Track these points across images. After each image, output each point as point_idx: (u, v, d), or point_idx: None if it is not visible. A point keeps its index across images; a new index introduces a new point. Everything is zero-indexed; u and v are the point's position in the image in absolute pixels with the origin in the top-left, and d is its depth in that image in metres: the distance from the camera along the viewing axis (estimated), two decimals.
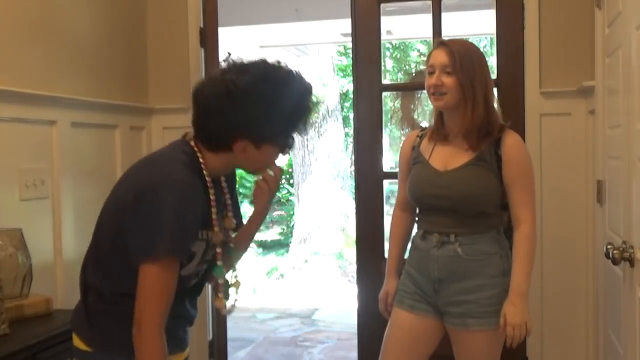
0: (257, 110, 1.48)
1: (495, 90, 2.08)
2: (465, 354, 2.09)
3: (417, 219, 2.22)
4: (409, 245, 2.25)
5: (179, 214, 1.40)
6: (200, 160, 1.53)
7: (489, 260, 2.04)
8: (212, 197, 1.53)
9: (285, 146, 1.58)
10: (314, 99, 1.62)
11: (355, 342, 3.31)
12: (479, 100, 2.02)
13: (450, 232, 2.06)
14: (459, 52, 2.03)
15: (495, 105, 2.10)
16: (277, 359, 4.73)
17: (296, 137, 1.61)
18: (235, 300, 1.72)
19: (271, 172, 1.65)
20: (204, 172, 1.53)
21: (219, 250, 1.56)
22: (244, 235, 1.78)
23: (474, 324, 2.02)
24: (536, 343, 2.95)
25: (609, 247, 1.99)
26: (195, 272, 1.59)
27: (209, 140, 1.54)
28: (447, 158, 2.10)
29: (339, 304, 6.40)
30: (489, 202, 2.05)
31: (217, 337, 3.20)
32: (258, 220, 1.77)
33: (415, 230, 2.24)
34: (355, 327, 3.28)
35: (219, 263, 1.57)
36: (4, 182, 2.23)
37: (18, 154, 2.29)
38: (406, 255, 2.26)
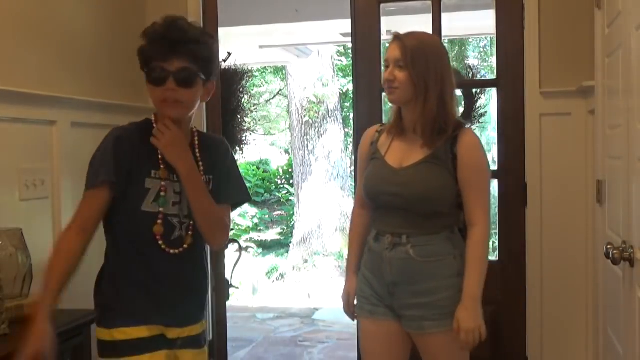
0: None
1: (457, 89, 2.11)
2: (429, 356, 2.07)
3: (372, 218, 2.17)
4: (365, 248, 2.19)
5: (100, 153, 1.79)
6: (152, 118, 1.88)
7: (443, 261, 2.01)
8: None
9: (149, 74, 1.80)
10: (161, 26, 1.80)
11: (355, 342, 3.31)
12: (432, 96, 1.98)
13: (402, 233, 2.02)
14: (412, 46, 1.99)
15: (454, 102, 2.06)
16: (277, 359, 4.73)
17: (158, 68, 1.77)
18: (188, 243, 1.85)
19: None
20: (154, 126, 1.84)
21: (163, 183, 1.80)
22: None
23: (430, 327, 2.00)
24: (536, 343, 2.95)
25: (609, 247, 1.99)
26: (157, 212, 1.78)
27: None
28: (403, 154, 2.06)
29: (339, 304, 6.41)
30: (444, 201, 2.02)
31: (217, 337, 3.20)
32: (183, 181, 1.85)
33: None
34: (355, 327, 3.28)
35: (162, 195, 1.79)
36: (4, 182, 2.23)
37: (18, 154, 2.29)
38: None
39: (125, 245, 1.81)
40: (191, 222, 1.84)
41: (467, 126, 2.08)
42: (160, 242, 1.78)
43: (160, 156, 1.81)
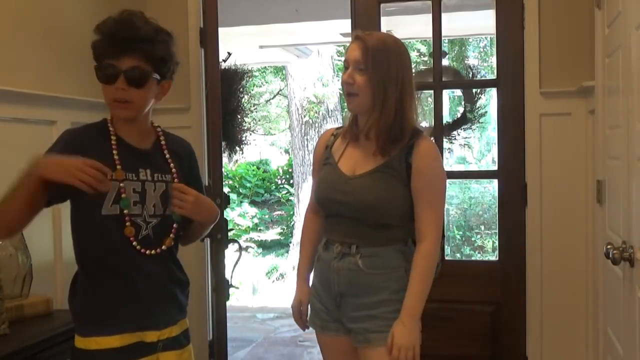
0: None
1: (415, 94, 1.94)
2: None
3: (324, 226, 2.05)
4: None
5: (50, 151, 1.74)
6: (108, 119, 1.81)
7: (392, 274, 1.90)
8: (113, 144, 1.76)
9: (99, 72, 1.74)
10: (115, 22, 1.75)
11: None
12: (390, 102, 1.86)
13: (352, 243, 1.91)
14: (374, 47, 1.85)
15: (412, 108, 1.91)
16: (277, 359, 4.73)
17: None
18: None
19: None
20: (109, 126, 1.79)
21: (121, 185, 1.72)
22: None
23: (377, 339, 1.88)
24: (536, 343, 2.95)
25: (608, 247, 1.99)
26: (121, 214, 1.72)
27: None
28: (356, 162, 1.95)
29: None
30: (393, 213, 1.90)
31: (217, 337, 3.20)
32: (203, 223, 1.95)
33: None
34: None
35: (123, 196, 1.72)
36: (4, 182, 2.22)
37: (18, 154, 2.29)
38: None
39: (93, 252, 1.74)
40: (174, 225, 1.79)
41: (425, 133, 1.96)
42: (134, 244, 1.72)
43: (116, 157, 1.74)
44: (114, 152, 1.75)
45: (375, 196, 1.89)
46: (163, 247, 1.77)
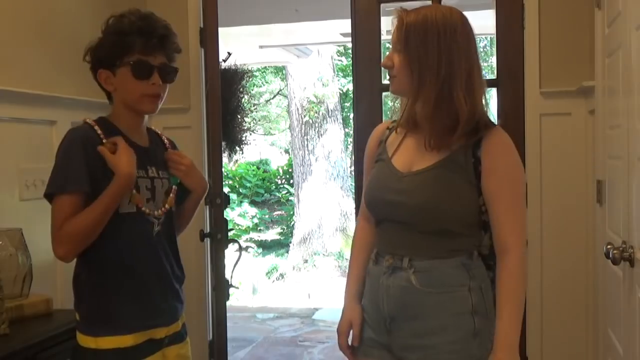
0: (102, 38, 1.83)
1: (480, 78, 1.64)
2: None
3: (375, 234, 1.77)
4: None
5: (69, 158, 1.74)
6: (108, 118, 1.84)
7: (452, 293, 1.60)
8: (134, 141, 1.81)
9: (135, 68, 1.76)
10: (139, 19, 1.80)
11: None
12: (429, 86, 1.58)
13: (404, 255, 1.62)
14: (411, 24, 1.60)
15: (471, 94, 1.61)
16: (277, 359, 4.73)
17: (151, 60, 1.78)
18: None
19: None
20: (113, 123, 1.82)
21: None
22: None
23: None
24: (536, 343, 2.95)
25: (608, 247, 1.99)
26: (135, 211, 1.76)
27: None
28: (414, 156, 1.67)
29: (339, 304, 6.41)
30: (457, 217, 1.61)
31: (217, 337, 3.19)
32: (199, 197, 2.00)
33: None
34: None
35: (134, 192, 1.75)
36: (4, 182, 2.23)
37: (18, 154, 2.29)
38: None
39: (108, 251, 1.74)
40: (174, 187, 1.88)
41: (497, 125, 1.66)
42: (143, 209, 1.77)
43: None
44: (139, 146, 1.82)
45: (432, 196, 1.60)
46: (166, 206, 1.83)
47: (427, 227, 1.61)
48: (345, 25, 3.42)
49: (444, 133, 1.60)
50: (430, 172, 1.62)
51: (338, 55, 11.43)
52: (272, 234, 11.30)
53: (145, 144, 1.86)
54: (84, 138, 1.75)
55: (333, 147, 9.75)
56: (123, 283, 1.75)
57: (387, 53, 1.68)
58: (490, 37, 7.98)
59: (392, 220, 1.66)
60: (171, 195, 1.85)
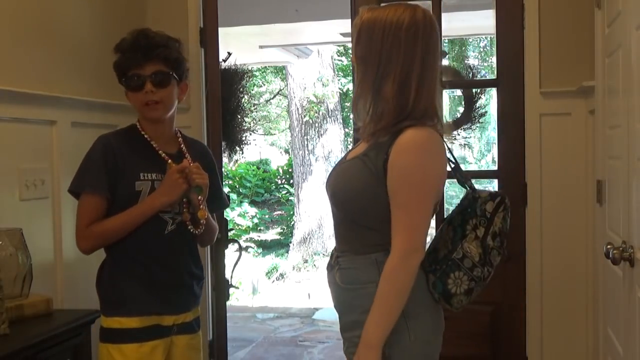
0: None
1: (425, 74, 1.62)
2: None
3: None
4: None
5: (91, 162, 1.97)
6: (137, 125, 2.04)
7: (363, 290, 1.61)
8: (154, 146, 2.01)
9: (127, 83, 1.99)
10: (130, 37, 2.00)
11: None
12: (366, 81, 1.63)
13: (335, 250, 1.72)
14: (364, 21, 1.64)
15: (401, 90, 1.60)
16: (277, 359, 4.74)
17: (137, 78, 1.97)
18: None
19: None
20: (140, 130, 2.02)
21: (155, 179, 1.98)
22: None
23: None
24: (536, 343, 2.95)
25: (608, 247, 1.99)
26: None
27: None
28: (354, 150, 1.76)
29: None
30: (360, 209, 1.61)
31: (217, 337, 3.20)
32: None
33: None
34: None
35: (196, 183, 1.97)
36: (4, 182, 2.23)
37: (18, 154, 2.29)
38: None
39: (126, 245, 1.97)
40: (199, 197, 2.00)
41: (419, 125, 1.61)
42: (163, 236, 1.98)
43: (163, 155, 2.01)
44: (160, 152, 2.00)
45: (337, 184, 1.66)
46: (202, 221, 2.00)
47: (344, 219, 1.66)
48: (345, 25, 3.42)
49: (373, 127, 1.63)
50: (347, 163, 1.68)
51: (338, 55, 11.43)
52: (272, 234, 11.31)
53: (169, 150, 2.04)
54: (104, 142, 1.99)
55: (333, 147, 9.75)
56: (135, 273, 1.97)
57: None
58: (490, 37, 7.98)
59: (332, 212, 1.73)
60: (202, 207, 1.99)
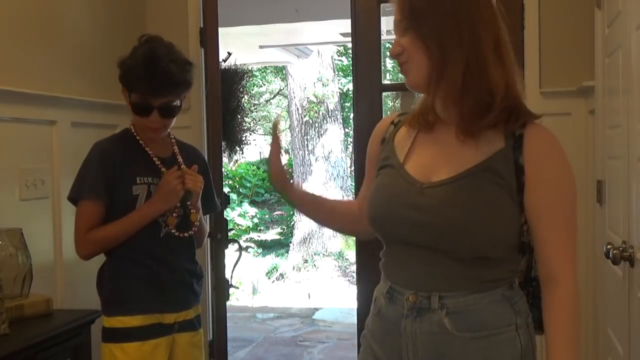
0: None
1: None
2: None
3: (381, 259, 1.40)
4: (372, 305, 1.44)
5: (86, 165, 1.99)
6: (132, 129, 2.05)
7: (498, 336, 1.26)
8: (149, 152, 2.03)
9: (135, 107, 1.96)
10: (144, 60, 1.93)
11: (355, 342, 3.31)
12: (456, 61, 1.24)
13: (432, 291, 1.26)
14: None
15: (503, 66, 1.30)
16: (277, 359, 4.74)
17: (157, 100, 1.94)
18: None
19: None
20: (135, 136, 2.03)
21: (151, 182, 2.00)
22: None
23: None
24: (536, 343, 2.94)
25: (608, 247, 1.99)
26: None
27: None
28: (432, 160, 1.31)
29: (339, 304, 6.41)
30: (494, 240, 1.25)
31: (217, 337, 3.20)
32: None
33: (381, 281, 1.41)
34: (355, 327, 3.28)
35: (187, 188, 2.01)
36: (4, 182, 2.23)
37: (18, 154, 2.29)
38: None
39: (124, 247, 2.00)
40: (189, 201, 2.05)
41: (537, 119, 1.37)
42: (160, 237, 2.01)
43: (157, 162, 2.03)
44: (154, 159, 2.02)
45: (468, 213, 1.23)
46: (195, 224, 2.05)
47: (459, 254, 1.25)
48: (345, 25, 3.42)
49: (476, 114, 1.26)
50: (460, 182, 1.26)
51: (338, 55, 11.43)
52: (272, 234, 11.31)
53: (163, 154, 2.06)
54: (101, 148, 2.01)
55: (333, 147, 9.75)
56: (135, 272, 2.00)
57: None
58: None
59: (410, 243, 1.29)
60: (193, 211, 2.04)
